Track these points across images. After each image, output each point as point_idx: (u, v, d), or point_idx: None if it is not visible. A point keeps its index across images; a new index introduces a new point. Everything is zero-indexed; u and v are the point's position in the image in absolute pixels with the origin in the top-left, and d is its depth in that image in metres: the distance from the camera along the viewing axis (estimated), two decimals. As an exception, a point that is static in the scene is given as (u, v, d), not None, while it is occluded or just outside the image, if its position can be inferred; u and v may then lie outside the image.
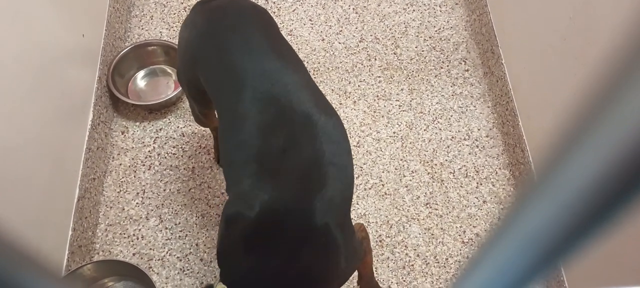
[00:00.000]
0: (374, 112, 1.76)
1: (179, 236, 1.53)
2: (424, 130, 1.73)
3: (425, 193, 1.61)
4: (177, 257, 1.50)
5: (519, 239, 0.15)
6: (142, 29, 1.92)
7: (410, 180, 1.64)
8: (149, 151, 1.67)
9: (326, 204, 0.89)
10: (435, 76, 1.85)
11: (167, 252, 1.50)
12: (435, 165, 1.67)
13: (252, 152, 0.92)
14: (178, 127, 1.71)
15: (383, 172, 1.65)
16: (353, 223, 1.02)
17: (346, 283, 1.10)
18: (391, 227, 1.56)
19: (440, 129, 1.73)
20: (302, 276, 0.89)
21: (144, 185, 1.61)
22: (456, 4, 2.01)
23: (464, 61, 1.88)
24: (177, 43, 1.24)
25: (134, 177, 1.62)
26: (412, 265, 1.50)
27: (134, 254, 1.50)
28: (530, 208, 0.14)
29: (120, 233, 1.53)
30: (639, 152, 0.11)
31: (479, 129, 1.74)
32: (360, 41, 1.92)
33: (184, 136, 1.70)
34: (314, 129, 0.92)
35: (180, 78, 1.22)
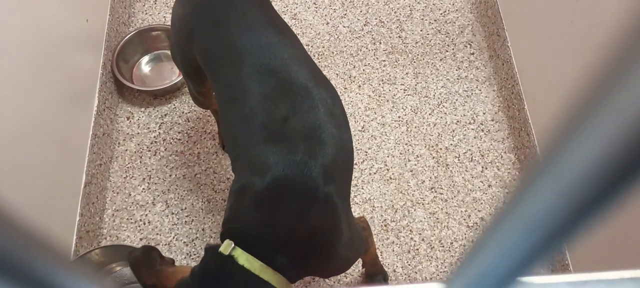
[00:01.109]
0: (379, 96, 1.76)
1: (185, 221, 1.54)
2: (429, 114, 1.73)
3: (430, 177, 1.62)
4: (184, 242, 1.51)
5: (524, 221, 0.15)
6: (146, 13, 1.91)
7: (415, 165, 1.64)
8: (155, 137, 1.67)
9: (330, 171, 0.90)
10: (441, 60, 1.84)
11: (173, 237, 1.51)
12: (440, 149, 1.66)
13: (256, 124, 0.93)
14: (183, 112, 1.72)
15: (388, 156, 1.65)
16: (356, 216, 1.03)
17: (352, 267, 1.11)
18: (396, 211, 1.56)
19: (446, 113, 1.73)
20: (308, 236, 0.90)
21: (149, 171, 1.61)
22: (461, -14, 2.00)
23: (469, 44, 1.87)
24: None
25: (140, 162, 1.63)
26: (417, 249, 1.51)
27: (141, 239, 1.51)
28: (534, 190, 0.14)
29: (127, 219, 1.54)
30: None
31: (484, 113, 1.74)
32: (364, 25, 1.91)
33: (189, 121, 1.70)
34: (313, 100, 0.94)
35: (175, 55, 1.21)
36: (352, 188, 1.59)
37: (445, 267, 1.49)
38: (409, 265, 1.49)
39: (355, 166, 1.62)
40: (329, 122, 0.93)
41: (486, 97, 1.77)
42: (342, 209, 0.94)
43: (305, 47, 1.84)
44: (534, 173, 0.14)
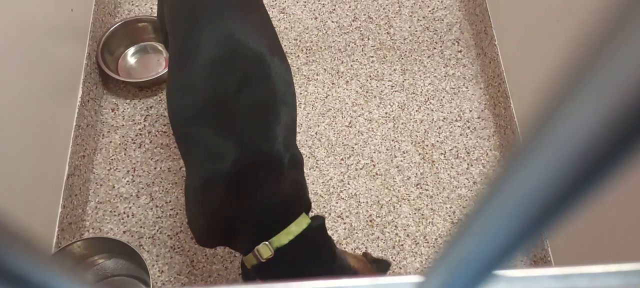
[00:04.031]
0: (367, 92, 1.76)
1: (170, 214, 1.53)
2: (416, 111, 1.73)
3: (416, 174, 1.62)
4: (168, 235, 1.50)
5: (502, 209, 0.15)
6: (132, 4, 1.89)
7: (402, 161, 1.64)
8: (140, 129, 1.66)
9: (286, 137, 0.94)
10: (428, 57, 1.84)
11: (157, 230, 1.50)
12: (427, 146, 1.67)
13: (207, 97, 0.91)
14: (165, 91, 1.70)
15: (374, 152, 1.65)
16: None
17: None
18: (382, 207, 1.56)
19: (432, 110, 1.74)
20: (288, 198, 0.94)
21: (134, 163, 1.60)
22: (450, -16, 2.00)
23: (457, 42, 1.88)
24: None
25: (125, 154, 1.61)
26: (402, 245, 1.51)
27: (124, 232, 1.50)
28: (518, 172, 0.14)
29: (111, 211, 1.53)
30: (629, 109, 0.11)
31: (470, 110, 1.74)
32: (353, 20, 1.90)
33: (174, 114, 1.69)
34: (267, 69, 0.94)
35: (159, 22, 1.21)
36: (338, 184, 1.59)
37: (429, 262, 1.49)
38: (394, 260, 1.49)
39: (341, 162, 1.62)
40: (281, 92, 0.94)
41: (473, 94, 1.78)
42: (301, 159, 0.99)
43: (293, 41, 1.84)
44: (512, 161, 0.14)
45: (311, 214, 0.99)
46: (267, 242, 0.90)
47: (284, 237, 0.90)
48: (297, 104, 1.64)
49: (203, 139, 0.91)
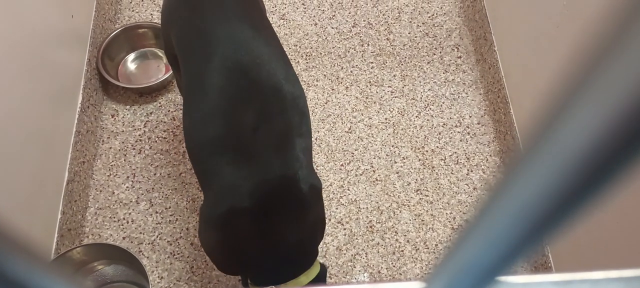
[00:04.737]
0: (366, 98, 1.76)
1: (170, 220, 1.52)
2: (416, 116, 1.73)
3: (416, 179, 1.62)
4: (168, 241, 1.49)
5: (504, 215, 0.14)
6: (133, 10, 1.89)
7: (402, 167, 1.64)
8: (140, 135, 1.66)
9: (305, 170, 0.93)
10: (428, 62, 1.84)
11: (157, 236, 1.50)
12: (427, 151, 1.67)
13: (221, 131, 0.90)
14: (169, 110, 1.70)
15: (374, 158, 1.65)
16: None
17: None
18: (382, 212, 1.56)
19: (432, 116, 1.74)
20: (305, 244, 0.95)
21: (134, 169, 1.60)
22: (450, -10, 2.01)
23: (456, 48, 1.88)
24: None
25: (124, 160, 1.61)
26: (402, 251, 1.51)
27: (124, 238, 1.49)
28: (514, 184, 0.14)
29: (110, 217, 1.52)
30: (632, 115, 0.11)
31: (470, 116, 1.74)
32: (353, 26, 1.91)
33: (174, 120, 1.69)
34: (283, 102, 0.93)
35: (163, 42, 1.20)
36: (338, 190, 1.59)
37: (430, 268, 1.49)
38: (394, 266, 1.49)
39: (341, 168, 1.62)
40: (296, 123, 0.94)
41: (472, 100, 1.78)
42: (320, 185, 0.99)
43: (293, 47, 1.84)
44: (514, 168, 0.14)
45: None
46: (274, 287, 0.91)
47: (292, 285, 0.91)
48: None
49: (224, 174, 0.90)
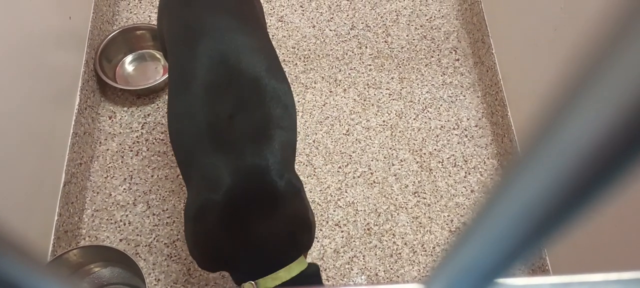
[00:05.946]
0: (364, 100, 1.76)
1: (167, 222, 1.52)
2: (414, 119, 1.73)
3: (414, 182, 1.62)
4: (165, 243, 1.49)
5: (503, 218, 0.14)
6: (131, 12, 1.89)
7: (399, 169, 1.64)
8: (137, 136, 1.65)
9: (281, 163, 0.90)
10: (426, 65, 1.85)
11: (154, 238, 1.49)
12: (424, 154, 1.67)
13: (202, 124, 0.89)
14: (166, 112, 1.70)
15: (372, 160, 1.65)
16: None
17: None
18: (379, 215, 1.56)
19: (430, 118, 1.74)
20: (287, 224, 0.91)
21: (131, 171, 1.59)
22: (447, -7, 2.01)
23: (454, 50, 1.88)
24: None
25: (122, 162, 1.61)
26: (400, 254, 1.51)
27: (120, 240, 1.49)
28: (519, 180, 0.14)
29: (107, 219, 1.52)
30: (632, 117, 0.11)
31: (468, 119, 1.75)
32: (351, 28, 1.91)
33: (172, 122, 1.68)
34: (262, 93, 0.91)
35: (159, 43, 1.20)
36: (335, 192, 1.59)
37: (428, 271, 1.49)
38: (391, 268, 1.49)
39: (338, 170, 1.62)
40: (276, 116, 0.92)
41: (470, 103, 1.78)
42: (299, 185, 0.95)
43: (291, 49, 1.84)
44: (512, 170, 0.14)
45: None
46: (253, 282, 0.88)
47: (271, 281, 0.88)
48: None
49: (200, 166, 0.89)
